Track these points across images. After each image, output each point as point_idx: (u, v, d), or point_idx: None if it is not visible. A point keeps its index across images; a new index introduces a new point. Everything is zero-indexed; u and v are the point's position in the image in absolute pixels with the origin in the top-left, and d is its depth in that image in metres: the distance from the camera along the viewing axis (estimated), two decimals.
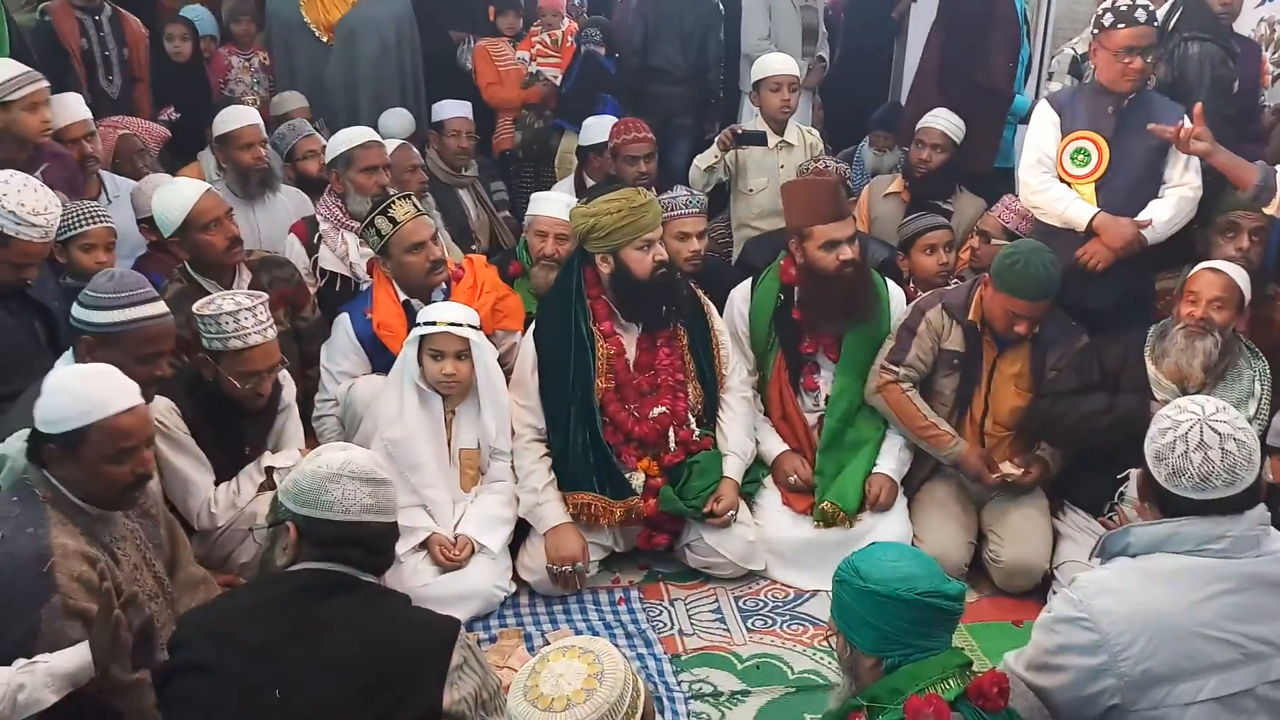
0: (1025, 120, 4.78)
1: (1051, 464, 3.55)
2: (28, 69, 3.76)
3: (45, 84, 3.76)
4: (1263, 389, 3.37)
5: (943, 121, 4.57)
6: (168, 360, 2.90)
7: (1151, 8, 3.59)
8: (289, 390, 3.34)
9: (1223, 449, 2.08)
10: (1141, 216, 3.60)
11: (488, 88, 5.85)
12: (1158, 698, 2.01)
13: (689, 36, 5.58)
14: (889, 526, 3.52)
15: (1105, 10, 3.59)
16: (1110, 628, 2.03)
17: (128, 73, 4.92)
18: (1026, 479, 3.53)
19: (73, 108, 4.06)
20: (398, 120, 5.18)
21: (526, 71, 5.88)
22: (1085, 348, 3.52)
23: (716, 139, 4.63)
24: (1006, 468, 3.54)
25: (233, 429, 3.16)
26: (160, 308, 2.86)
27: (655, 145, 4.67)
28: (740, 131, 4.58)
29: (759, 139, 4.58)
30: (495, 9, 6.01)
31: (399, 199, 3.60)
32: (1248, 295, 3.33)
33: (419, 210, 3.61)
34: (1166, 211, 3.60)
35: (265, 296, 3.17)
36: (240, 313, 3.02)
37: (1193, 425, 2.11)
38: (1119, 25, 3.53)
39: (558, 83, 5.85)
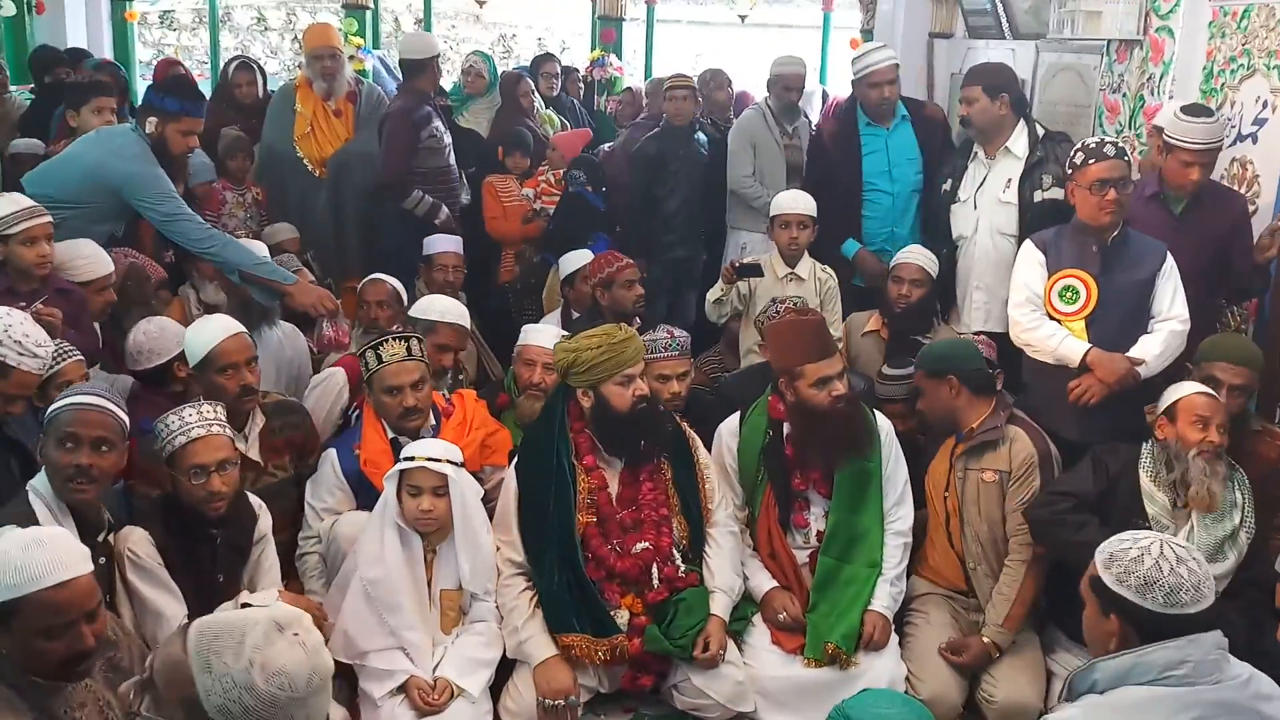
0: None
1: (1001, 642, 3.51)
2: (31, 204, 3.81)
3: (44, 219, 3.80)
4: (1243, 497, 3.38)
5: (919, 256, 4.58)
6: (92, 448, 2.85)
7: (1120, 145, 3.72)
8: (265, 521, 3.29)
9: (1187, 566, 2.21)
10: (1134, 353, 3.65)
11: (490, 221, 5.98)
12: None
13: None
14: (883, 666, 3.44)
15: (1076, 151, 3.75)
16: None
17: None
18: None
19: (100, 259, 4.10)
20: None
21: (530, 208, 6.00)
22: (1096, 458, 3.51)
23: (722, 272, 4.77)
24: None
25: (205, 555, 3.11)
26: (95, 400, 2.91)
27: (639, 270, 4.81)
28: (740, 265, 4.70)
29: (756, 271, 4.70)
30: (504, 149, 6.17)
31: (395, 338, 3.62)
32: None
33: (409, 355, 3.59)
34: (1157, 346, 3.66)
35: (219, 403, 3.23)
36: (185, 410, 3.07)
37: (1154, 542, 2.25)
38: (1090, 161, 3.68)
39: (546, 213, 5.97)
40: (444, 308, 4.25)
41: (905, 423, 3.98)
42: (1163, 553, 2.22)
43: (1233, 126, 4.29)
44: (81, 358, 3.52)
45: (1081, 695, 2.19)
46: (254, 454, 3.55)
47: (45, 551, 2.22)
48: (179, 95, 4.45)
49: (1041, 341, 3.77)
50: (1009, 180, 4.45)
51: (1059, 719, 2.18)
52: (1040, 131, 4.52)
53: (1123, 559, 2.24)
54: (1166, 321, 3.69)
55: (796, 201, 4.82)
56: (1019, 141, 4.47)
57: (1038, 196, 4.41)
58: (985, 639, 3.50)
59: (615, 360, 3.41)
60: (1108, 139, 3.77)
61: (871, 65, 4.98)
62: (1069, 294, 3.74)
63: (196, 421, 3.06)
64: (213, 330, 3.56)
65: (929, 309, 4.60)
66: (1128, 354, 3.65)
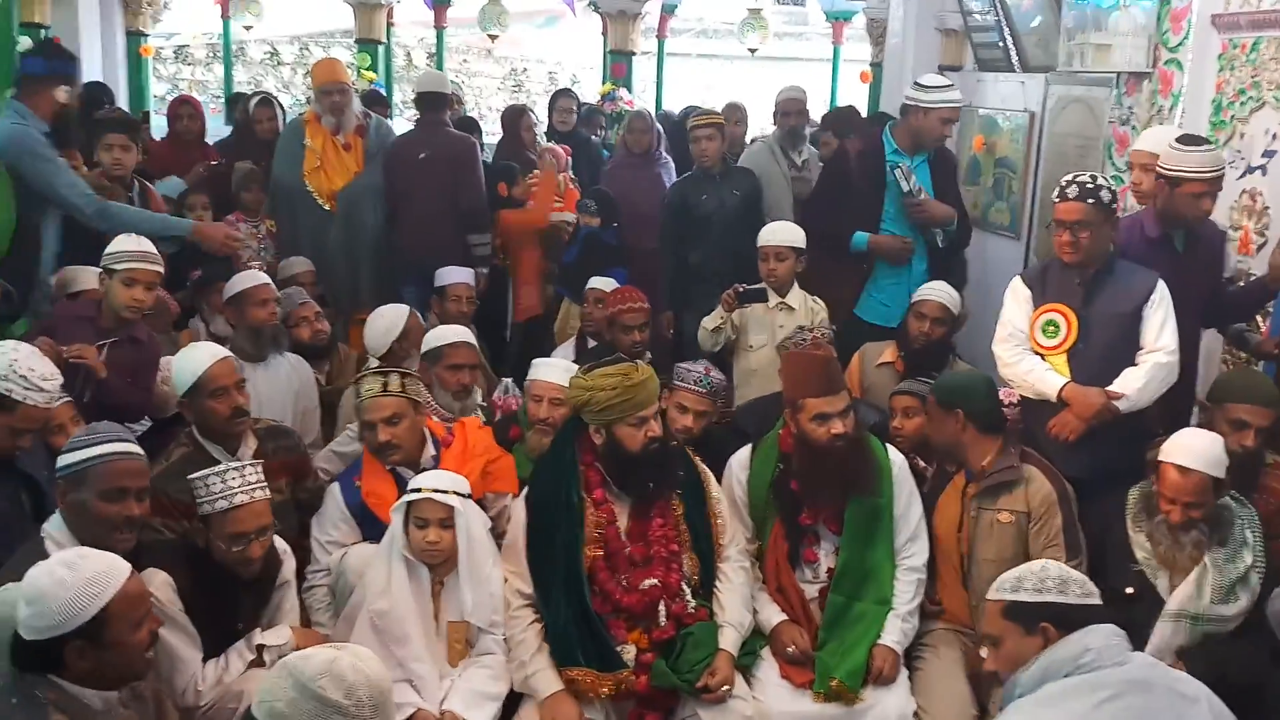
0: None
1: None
2: (149, 250, 3.92)
3: (151, 267, 3.91)
4: (1254, 536, 3.33)
5: (941, 294, 4.54)
6: (138, 499, 2.90)
7: (1090, 186, 3.62)
8: (289, 566, 3.30)
9: (1070, 570, 2.59)
10: (1115, 386, 3.61)
11: (518, 222, 6.09)
12: None
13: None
14: (892, 701, 3.40)
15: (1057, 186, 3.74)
16: None
17: None
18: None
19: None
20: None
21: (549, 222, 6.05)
22: (1069, 521, 3.51)
23: (722, 299, 4.72)
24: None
25: (228, 603, 3.10)
26: (128, 447, 2.92)
27: (649, 314, 4.77)
28: (742, 290, 4.67)
29: (759, 296, 4.68)
30: (506, 184, 6.17)
31: (372, 374, 3.66)
32: (1223, 469, 3.26)
33: (384, 391, 3.61)
34: (1140, 380, 3.62)
35: (258, 461, 3.20)
36: (227, 473, 3.04)
37: (1041, 562, 2.63)
38: (1054, 200, 3.69)
39: (573, 220, 6.03)
40: (443, 333, 4.37)
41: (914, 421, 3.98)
42: (1053, 563, 2.61)
43: (1242, 159, 4.29)
44: (69, 399, 3.55)
45: None
46: None
47: (95, 559, 2.35)
48: (45, 55, 4.60)
49: (1021, 376, 3.77)
50: None
51: None
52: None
53: (1028, 577, 2.52)
54: (1153, 353, 3.64)
55: (775, 233, 4.82)
56: None
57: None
58: None
59: (630, 402, 3.36)
60: (1080, 177, 3.68)
61: (951, 101, 4.86)
62: (1050, 328, 3.73)
63: (239, 487, 3.04)
64: (200, 357, 3.58)
65: (947, 346, 4.58)
66: (1108, 388, 3.62)
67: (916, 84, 4.99)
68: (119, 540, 2.82)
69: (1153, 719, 2.26)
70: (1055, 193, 3.71)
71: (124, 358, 3.86)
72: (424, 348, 4.36)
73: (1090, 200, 3.61)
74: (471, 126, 7.29)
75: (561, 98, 8.03)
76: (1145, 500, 3.42)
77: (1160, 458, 3.32)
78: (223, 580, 3.06)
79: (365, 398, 3.61)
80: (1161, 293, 3.66)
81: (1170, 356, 3.63)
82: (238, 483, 3.03)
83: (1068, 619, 2.43)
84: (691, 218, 5.49)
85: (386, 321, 4.63)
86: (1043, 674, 2.38)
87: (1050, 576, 2.50)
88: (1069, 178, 3.71)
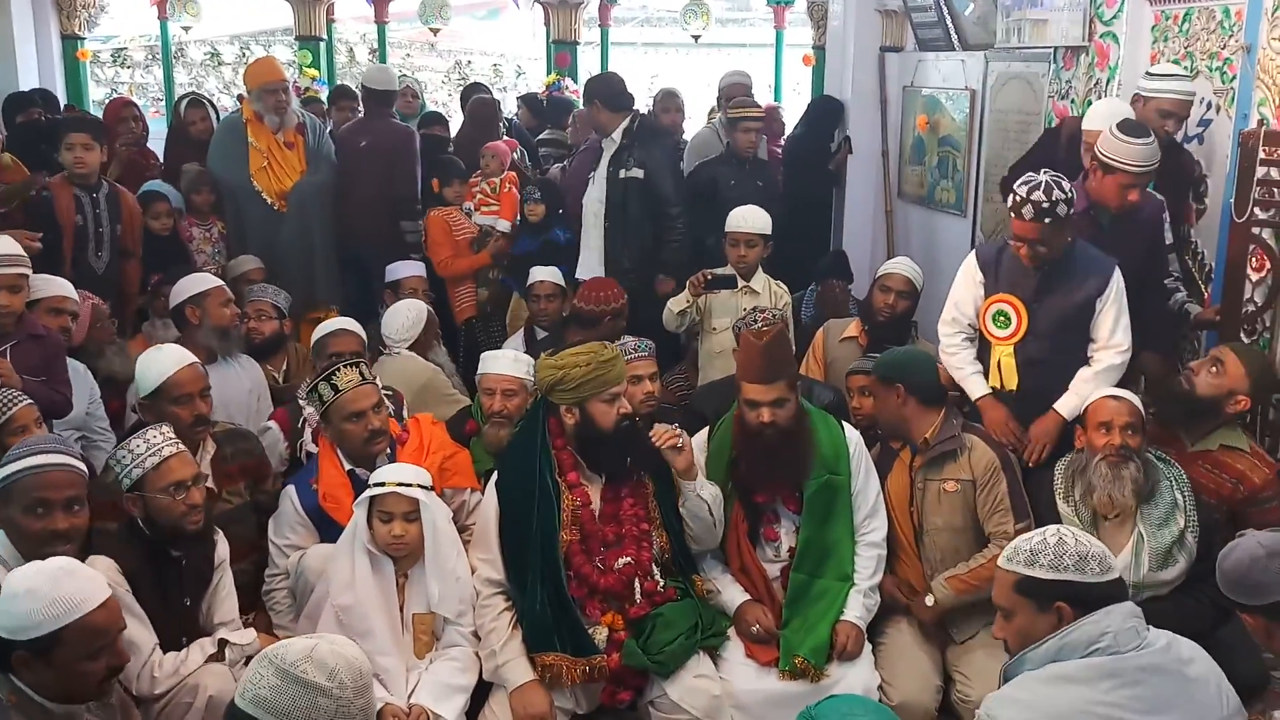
0: None
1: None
2: (6, 253, 3.81)
3: (5, 270, 3.80)
4: (1184, 497, 3.40)
5: (905, 268, 4.65)
6: (65, 511, 2.80)
7: (1045, 206, 3.49)
8: (223, 548, 3.29)
9: (1088, 537, 2.41)
10: (1062, 402, 3.68)
11: (445, 262, 5.81)
12: None
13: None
14: (856, 676, 3.44)
15: (1011, 191, 3.68)
16: None
17: (117, 248, 4.98)
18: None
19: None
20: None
21: (477, 232, 5.88)
22: (1014, 486, 3.57)
23: (689, 283, 4.76)
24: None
25: (172, 579, 3.09)
26: (58, 459, 2.83)
27: (602, 313, 4.82)
28: (710, 277, 4.70)
29: (729, 283, 4.73)
30: (440, 180, 6.05)
31: (345, 365, 3.63)
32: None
33: (364, 379, 3.62)
34: (1086, 390, 3.62)
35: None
36: (147, 432, 3.06)
37: (1056, 530, 2.40)
38: (1011, 215, 3.67)
39: (507, 229, 5.82)
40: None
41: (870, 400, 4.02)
42: (1071, 532, 2.39)
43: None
44: (31, 401, 3.48)
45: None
46: (208, 482, 3.53)
47: (77, 579, 2.33)
48: None
49: (955, 367, 3.87)
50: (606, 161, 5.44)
51: (992, 697, 2.28)
52: (635, 124, 5.43)
53: (1045, 550, 2.35)
54: (1106, 351, 3.68)
55: (746, 220, 4.85)
56: (617, 131, 5.41)
57: (621, 174, 5.35)
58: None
59: (602, 378, 3.41)
60: (1035, 194, 3.52)
61: (1172, 92, 4.17)
62: (1001, 319, 3.76)
63: (162, 442, 3.06)
64: (165, 361, 3.56)
65: (909, 320, 4.64)
66: (1055, 405, 3.69)
67: (1146, 73, 4.38)
68: (48, 554, 2.68)
69: (1163, 706, 2.19)
70: (1009, 203, 3.62)
71: (30, 355, 3.78)
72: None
73: (1047, 219, 3.54)
74: (438, 120, 7.42)
75: (473, 92, 8.07)
76: (1071, 473, 3.48)
77: (1087, 404, 3.47)
78: (165, 558, 3.06)
79: (347, 388, 3.58)
80: (1117, 286, 3.66)
81: (1123, 356, 3.67)
82: (159, 439, 3.06)
83: (1084, 598, 2.30)
84: (716, 200, 5.58)
85: (412, 313, 4.71)
86: (1055, 654, 2.28)
87: (1068, 552, 2.33)
88: (1024, 193, 3.55)
